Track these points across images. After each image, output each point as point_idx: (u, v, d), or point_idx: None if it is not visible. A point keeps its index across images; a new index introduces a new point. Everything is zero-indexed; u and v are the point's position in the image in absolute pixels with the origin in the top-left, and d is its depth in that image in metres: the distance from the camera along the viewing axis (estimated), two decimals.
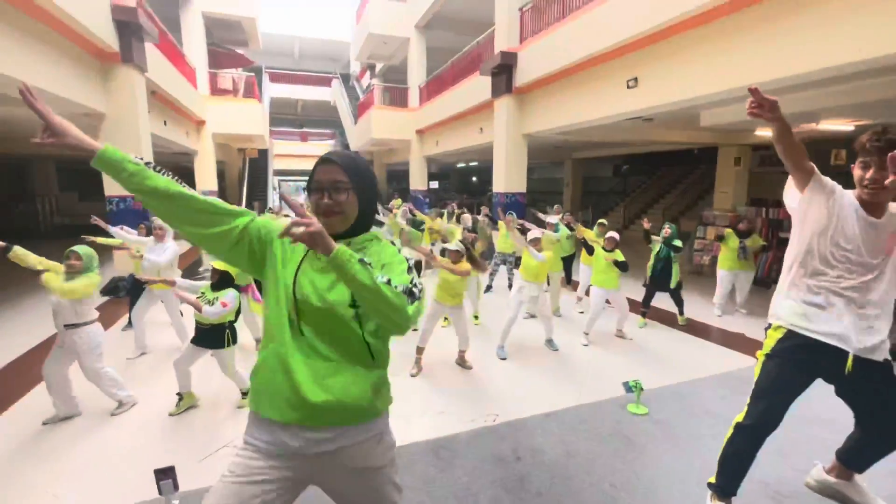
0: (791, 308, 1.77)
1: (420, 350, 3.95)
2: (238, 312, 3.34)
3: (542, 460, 2.35)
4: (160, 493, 1.85)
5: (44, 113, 1.00)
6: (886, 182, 1.44)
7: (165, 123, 9.44)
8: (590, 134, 9.42)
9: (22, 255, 2.95)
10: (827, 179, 1.68)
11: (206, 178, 12.99)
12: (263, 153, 20.33)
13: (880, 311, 1.66)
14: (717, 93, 5.07)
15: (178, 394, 3.21)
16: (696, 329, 5.19)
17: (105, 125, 6.46)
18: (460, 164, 24.56)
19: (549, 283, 5.49)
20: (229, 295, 3.11)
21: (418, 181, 15.75)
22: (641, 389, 2.84)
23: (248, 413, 1.20)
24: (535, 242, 4.30)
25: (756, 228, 6.97)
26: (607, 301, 4.71)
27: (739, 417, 1.81)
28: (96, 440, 2.89)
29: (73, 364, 3.07)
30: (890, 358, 1.72)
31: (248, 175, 19.09)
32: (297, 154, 26.07)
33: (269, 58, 27.44)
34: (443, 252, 4.12)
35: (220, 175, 19.60)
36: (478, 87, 9.89)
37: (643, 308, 5.35)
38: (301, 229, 0.95)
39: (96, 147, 1.02)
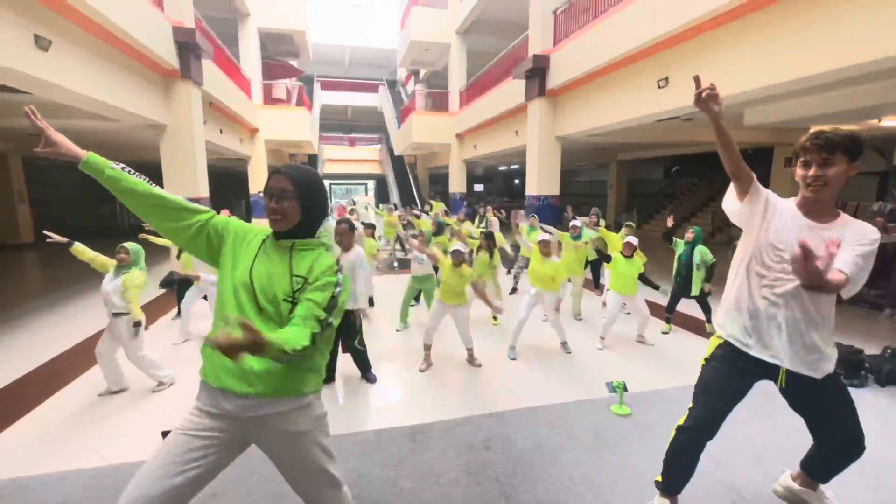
0: (732, 319, 1.78)
1: (427, 347, 4.11)
2: None
3: (509, 450, 2.44)
4: None
5: (44, 129, 1.26)
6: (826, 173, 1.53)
7: (221, 132, 10.27)
8: (627, 135, 9.21)
9: (81, 250, 3.43)
10: (762, 187, 1.70)
11: (258, 182, 13.90)
12: (313, 158, 21.41)
13: (819, 325, 1.61)
14: (754, 90, 4.85)
15: None
16: None
17: (166, 135, 7.19)
18: (502, 167, 24.55)
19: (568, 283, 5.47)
20: None
21: (457, 184, 15.95)
22: (625, 390, 2.83)
23: (200, 381, 1.42)
24: (545, 245, 4.34)
25: None
26: (624, 306, 4.65)
27: (681, 420, 1.83)
28: (138, 411, 3.31)
29: (121, 347, 3.53)
30: (834, 373, 1.68)
31: None
32: (345, 158, 27.18)
33: (322, 67, 28.81)
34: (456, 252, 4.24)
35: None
36: (513, 90, 9.95)
37: (667, 314, 5.20)
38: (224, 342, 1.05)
39: (82, 155, 1.27)
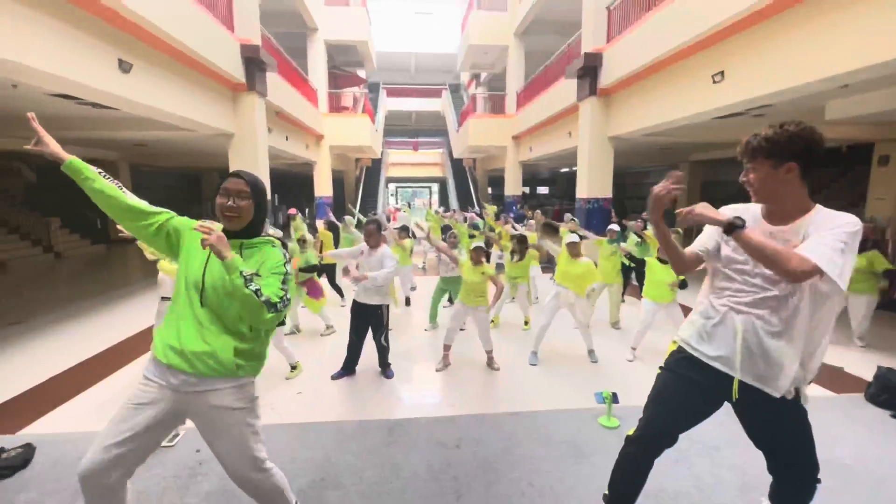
0: (691, 324, 1.68)
1: (446, 347, 4.17)
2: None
3: (478, 452, 2.43)
4: None
5: (39, 132, 1.51)
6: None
7: (287, 139, 11.11)
8: (689, 134, 8.57)
9: (143, 245, 3.93)
10: (707, 236, 1.69)
11: (323, 185, 14.80)
12: (377, 162, 22.32)
13: (786, 338, 1.43)
14: (819, 81, 4.34)
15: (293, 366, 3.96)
16: None
17: (234, 143, 7.96)
18: (564, 169, 23.85)
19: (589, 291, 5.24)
20: None
21: (513, 187, 15.80)
22: (614, 402, 2.67)
23: (151, 356, 1.59)
24: (572, 246, 4.21)
25: (886, 245, 5.66)
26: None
27: (631, 431, 1.72)
28: None
29: None
30: (796, 394, 1.49)
31: (363, 182, 21.20)
32: (409, 162, 28.03)
33: (388, 74, 29.93)
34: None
35: (339, 182, 22.10)
36: (566, 90, 9.71)
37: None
38: (209, 236, 1.37)
39: (66, 158, 1.50)
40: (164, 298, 3.84)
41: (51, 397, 3.50)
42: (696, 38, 5.56)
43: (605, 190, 8.82)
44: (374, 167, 22.32)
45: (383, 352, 4.00)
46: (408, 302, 6.48)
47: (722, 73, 5.42)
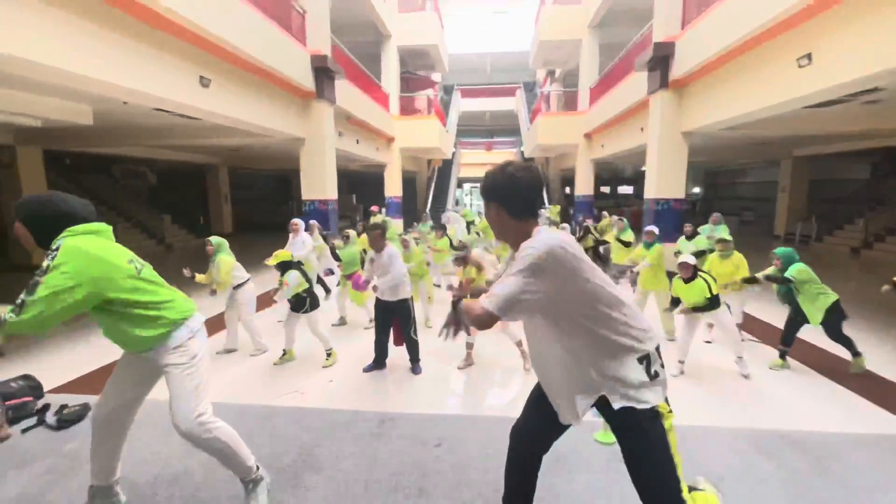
0: None
1: (469, 346, 4.16)
2: (310, 283, 4.23)
3: (456, 452, 2.40)
4: None
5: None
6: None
7: (358, 142, 11.74)
8: (778, 127, 7.58)
9: (201, 278, 4.40)
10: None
11: (393, 186, 15.42)
12: (448, 163, 22.66)
13: (554, 363, 1.45)
14: None
15: (284, 350, 4.30)
16: (866, 382, 3.79)
17: (304, 147, 8.62)
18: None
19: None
20: (291, 276, 4.03)
21: (584, 186, 15.13)
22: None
23: None
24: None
25: None
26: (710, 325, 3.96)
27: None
28: (236, 368, 4.18)
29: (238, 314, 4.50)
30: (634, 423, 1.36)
31: (434, 182, 21.67)
32: (481, 162, 28.05)
33: (463, 76, 30.22)
34: None
35: (411, 182, 22.79)
36: (638, 83, 9.08)
37: (782, 345, 4.21)
38: None
39: None
40: (234, 287, 4.35)
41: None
42: (779, 18, 4.92)
43: (676, 190, 8.12)
44: (447, 168, 22.67)
45: (413, 346, 4.09)
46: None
47: (809, 55, 4.73)
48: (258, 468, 1.96)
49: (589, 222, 9.65)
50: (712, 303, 3.75)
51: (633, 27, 12.79)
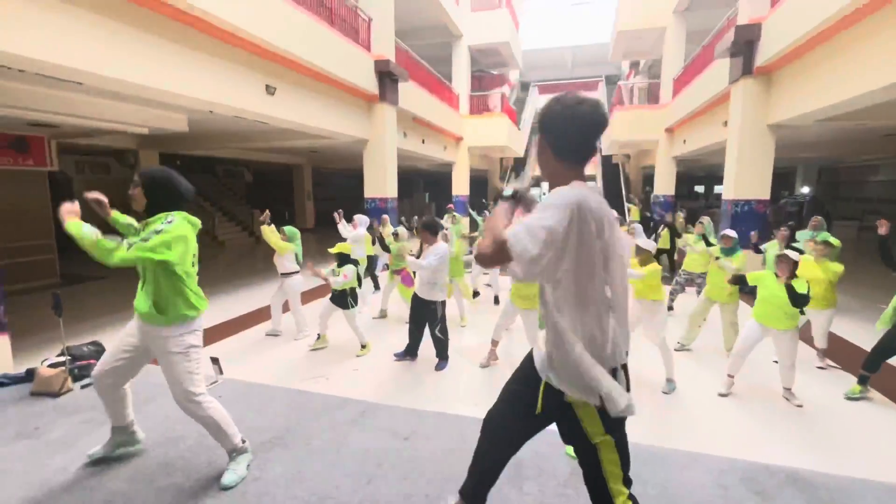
0: None
1: (494, 343, 4.13)
2: (360, 282, 4.48)
3: (419, 448, 2.40)
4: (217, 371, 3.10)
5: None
6: None
7: (423, 142, 12.06)
8: (888, 114, 6.38)
9: (268, 232, 4.89)
10: None
11: (460, 185, 15.59)
12: (523, 160, 22.27)
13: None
14: None
15: (318, 334, 4.62)
16: None
17: (368, 147, 9.08)
18: None
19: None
20: (348, 269, 4.27)
21: (664, 185, 14.00)
22: None
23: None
24: (640, 252, 3.69)
25: None
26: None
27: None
28: (279, 350, 4.60)
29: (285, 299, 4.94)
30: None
31: (507, 180, 21.47)
32: None
33: (543, 72, 29.45)
34: None
35: (483, 181, 22.82)
36: (721, 72, 8.20)
37: (864, 370, 3.58)
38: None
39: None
40: (282, 275, 4.79)
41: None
42: None
43: (759, 190, 7.22)
44: (521, 166, 22.31)
45: (439, 343, 4.18)
46: (497, 300, 6.49)
47: None
48: (244, 441, 2.18)
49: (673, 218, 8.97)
50: (801, 300, 3.23)
51: (725, 10, 11.57)
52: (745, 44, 6.83)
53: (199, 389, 2.06)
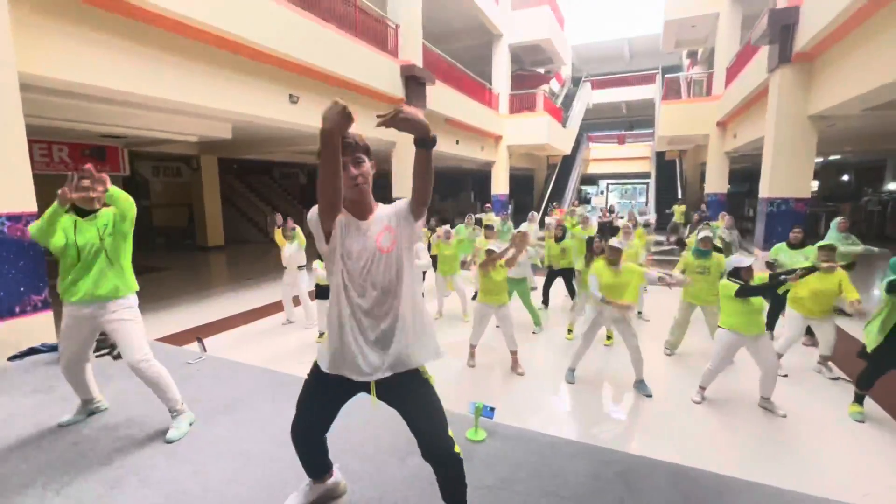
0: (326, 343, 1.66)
1: (472, 346, 4.27)
2: None
3: (345, 423, 2.45)
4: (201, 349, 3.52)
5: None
6: None
7: (458, 142, 12.28)
8: None
9: (279, 234, 5.41)
10: None
11: (500, 184, 15.61)
12: (568, 159, 21.74)
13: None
14: None
15: (320, 332, 5.04)
16: None
17: (396, 149, 9.48)
18: (817, 159, 17.95)
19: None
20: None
21: (716, 182, 13.10)
22: (485, 415, 2.29)
23: None
24: (613, 251, 3.65)
25: None
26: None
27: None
28: (289, 338, 5.09)
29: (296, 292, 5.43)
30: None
31: (554, 180, 21.08)
32: (612, 157, 26.09)
33: (599, 64, 28.49)
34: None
35: (528, 180, 22.54)
36: (762, 61, 7.62)
37: (859, 388, 3.29)
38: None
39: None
40: (298, 267, 5.31)
41: (216, 327, 5.33)
42: None
43: (799, 188, 6.64)
44: (568, 164, 21.77)
45: None
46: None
47: None
48: (183, 404, 2.50)
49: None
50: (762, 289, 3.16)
51: None
52: (782, 29, 6.32)
53: (149, 353, 2.43)
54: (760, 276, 3.35)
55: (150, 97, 4.80)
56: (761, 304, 3.27)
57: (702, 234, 4.31)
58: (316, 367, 1.62)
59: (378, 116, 1.40)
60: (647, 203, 23.34)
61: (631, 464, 2.03)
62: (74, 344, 2.39)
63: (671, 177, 19.97)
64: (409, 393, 1.54)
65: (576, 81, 25.72)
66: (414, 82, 9.01)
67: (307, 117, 6.94)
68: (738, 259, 3.25)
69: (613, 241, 3.70)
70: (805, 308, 3.79)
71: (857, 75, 5.31)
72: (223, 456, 2.18)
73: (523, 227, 7.37)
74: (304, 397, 1.65)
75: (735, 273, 3.24)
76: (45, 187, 3.85)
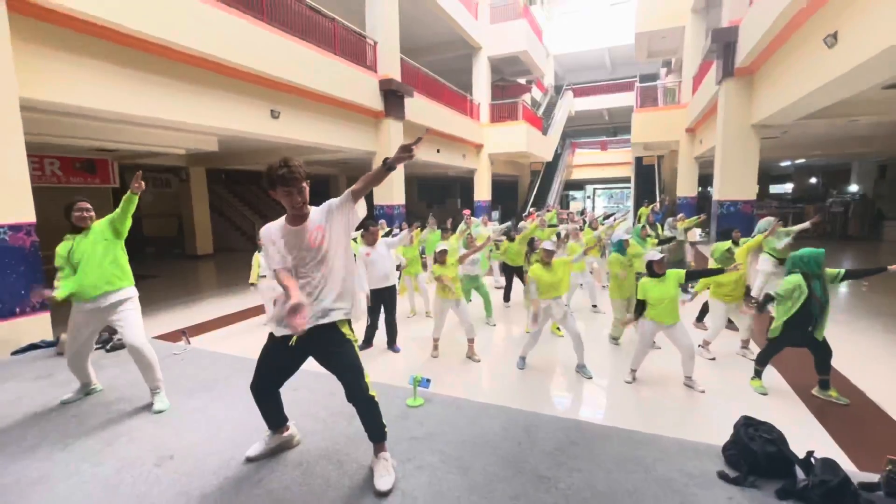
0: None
1: (434, 339, 4.70)
2: None
3: (314, 394, 2.93)
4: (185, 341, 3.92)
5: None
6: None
7: (438, 151, 12.77)
8: (867, 109, 6.18)
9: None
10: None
11: (482, 190, 16.13)
12: (553, 165, 22.36)
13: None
14: None
15: None
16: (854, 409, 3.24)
17: (376, 159, 9.94)
18: (799, 161, 18.69)
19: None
20: None
21: (687, 186, 13.71)
22: (422, 385, 2.73)
23: None
24: (547, 254, 4.11)
25: None
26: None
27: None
28: (267, 334, 5.45)
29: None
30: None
31: (537, 186, 21.66)
32: (595, 163, 26.81)
33: (582, 73, 29.26)
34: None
35: (512, 186, 23.09)
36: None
37: (758, 366, 3.76)
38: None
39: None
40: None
41: (201, 328, 5.72)
42: None
43: (746, 191, 7.18)
44: (551, 170, 22.39)
45: (390, 328, 4.82)
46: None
47: (835, 34, 4.07)
48: (162, 384, 2.90)
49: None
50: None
51: None
52: (725, 46, 6.90)
53: (146, 336, 2.86)
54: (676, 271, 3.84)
55: (139, 116, 5.23)
56: (676, 297, 3.73)
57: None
58: (270, 335, 2.07)
59: (411, 145, 1.82)
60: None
61: (536, 420, 2.48)
62: (82, 337, 2.79)
63: (651, 181, 20.63)
64: (335, 350, 2.01)
65: (558, 90, 26.47)
66: (393, 95, 9.50)
67: (289, 131, 7.39)
68: (652, 254, 3.73)
69: (546, 244, 4.16)
70: (727, 295, 4.27)
71: (785, 87, 5.86)
72: (199, 422, 2.60)
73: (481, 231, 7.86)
74: (261, 359, 2.10)
75: (649, 266, 3.72)
76: (39, 199, 4.25)
